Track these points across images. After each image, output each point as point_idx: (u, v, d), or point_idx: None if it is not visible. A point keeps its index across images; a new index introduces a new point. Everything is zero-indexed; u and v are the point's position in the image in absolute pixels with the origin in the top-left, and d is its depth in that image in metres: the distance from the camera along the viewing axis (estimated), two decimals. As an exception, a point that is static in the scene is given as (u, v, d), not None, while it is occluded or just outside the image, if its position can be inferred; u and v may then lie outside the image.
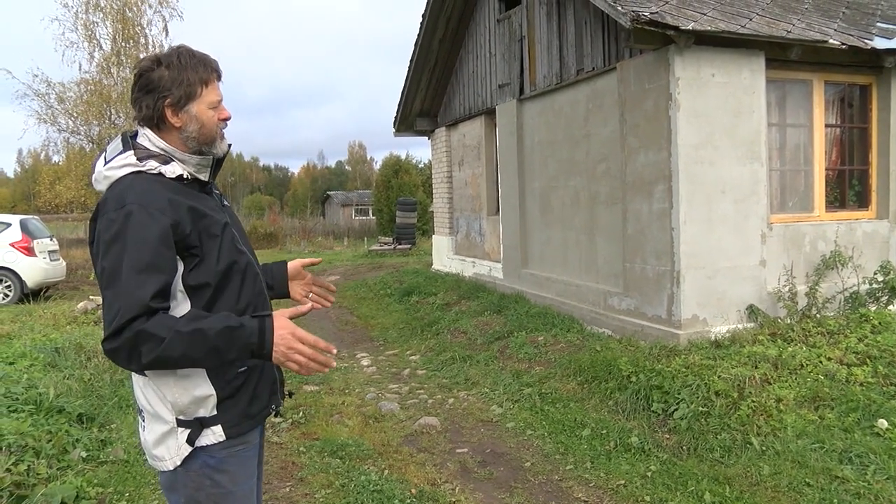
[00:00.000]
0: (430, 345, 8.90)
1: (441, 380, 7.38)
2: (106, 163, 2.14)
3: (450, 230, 14.44)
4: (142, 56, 24.66)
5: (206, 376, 2.10)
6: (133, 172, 2.09)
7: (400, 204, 25.02)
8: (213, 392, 2.11)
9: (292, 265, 2.63)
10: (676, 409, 5.45)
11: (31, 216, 16.79)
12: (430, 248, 17.23)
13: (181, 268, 2.07)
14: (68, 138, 25.04)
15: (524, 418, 6.00)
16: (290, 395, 2.57)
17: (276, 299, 2.58)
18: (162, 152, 2.16)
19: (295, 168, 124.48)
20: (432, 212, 16.85)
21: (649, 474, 4.72)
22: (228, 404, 2.15)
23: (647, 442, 5.17)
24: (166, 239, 2.00)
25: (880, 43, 7.26)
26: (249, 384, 2.20)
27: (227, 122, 2.27)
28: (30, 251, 14.34)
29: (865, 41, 7.21)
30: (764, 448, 4.84)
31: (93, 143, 24.76)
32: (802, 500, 4.19)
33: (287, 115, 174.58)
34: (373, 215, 38.64)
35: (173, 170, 2.13)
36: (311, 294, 2.65)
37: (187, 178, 2.17)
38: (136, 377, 2.18)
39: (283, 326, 2.06)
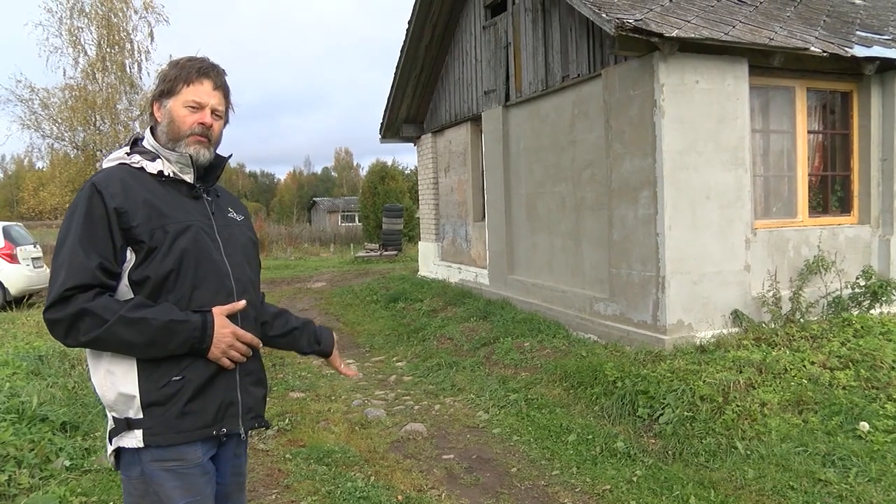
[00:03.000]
0: (416, 351, 8.89)
1: (427, 386, 7.37)
2: (106, 157, 2.29)
3: (436, 236, 14.45)
4: (127, 62, 24.62)
5: (135, 375, 2.09)
6: (118, 164, 2.21)
7: (386, 210, 25.00)
8: (138, 393, 2.08)
9: (332, 359, 2.71)
10: (662, 414, 5.48)
11: (14, 223, 16.66)
12: (416, 255, 17.24)
13: (131, 260, 2.11)
14: (52, 144, 24.90)
15: (510, 424, 6.01)
16: (268, 426, 2.48)
17: (275, 348, 2.67)
18: (152, 149, 2.26)
19: (281, 174, 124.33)
20: (419, 218, 16.86)
21: (635, 479, 4.74)
22: (155, 410, 2.10)
23: (633, 447, 5.19)
24: (108, 221, 2.06)
25: (860, 51, 7.35)
26: (181, 396, 2.11)
27: (205, 128, 2.26)
28: (13, 258, 14.22)
29: (846, 49, 7.29)
30: (748, 452, 4.87)
31: (77, 149, 24.62)
32: (786, 503, 4.22)
33: (274, 121, 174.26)
34: (359, 221, 38.59)
35: (156, 166, 2.22)
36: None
37: (170, 175, 2.23)
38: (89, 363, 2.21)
39: (225, 325, 2.15)
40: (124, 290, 2.11)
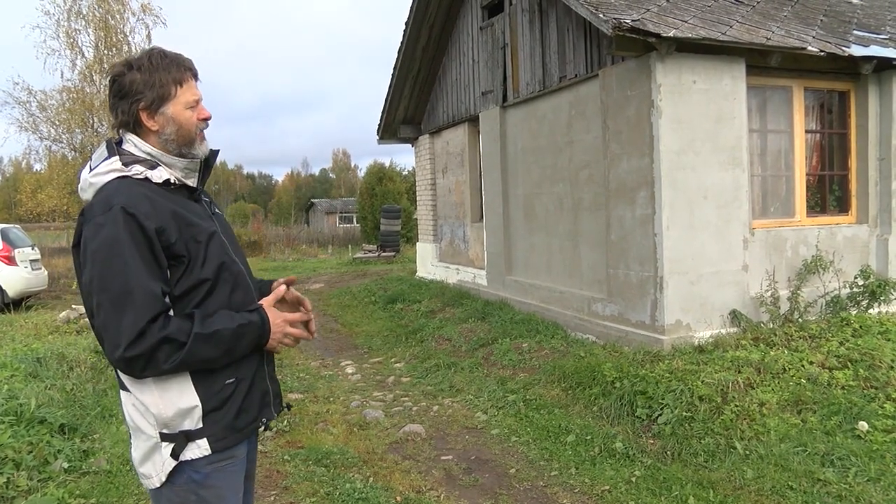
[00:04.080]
0: (414, 352, 8.89)
1: (426, 387, 7.37)
2: (91, 170, 2.11)
3: (434, 237, 14.45)
4: (123, 64, 24.60)
5: (191, 386, 2.05)
6: (119, 177, 2.06)
7: (384, 211, 25.00)
8: (199, 403, 2.06)
9: (270, 295, 2.34)
10: (660, 415, 5.48)
11: (12, 225, 16.65)
12: (414, 256, 17.23)
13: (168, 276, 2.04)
14: (50, 146, 24.88)
15: (509, 425, 6.00)
16: (289, 407, 2.54)
17: None
18: (148, 157, 2.12)
19: (279, 176, 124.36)
20: (416, 219, 16.85)
21: (634, 479, 4.74)
22: (215, 416, 2.08)
23: (632, 447, 5.18)
24: (151, 243, 1.97)
25: (857, 50, 7.35)
26: (237, 396, 2.14)
27: (208, 122, 2.22)
28: (11, 260, 14.21)
29: (843, 48, 7.30)
30: (747, 452, 4.87)
31: (75, 151, 24.59)
32: (785, 503, 4.22)
33: (272, 122, 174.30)
34: (357, 223, 38.58)
35: (160, 174, 2.10)
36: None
37: (175, 182, 2.14)
38: (123, 393, 2.14)
39: (276, 315, 2.19)
40: None
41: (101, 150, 2.14)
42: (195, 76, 2.20)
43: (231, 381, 2.12)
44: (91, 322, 2.05)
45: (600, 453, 5.20)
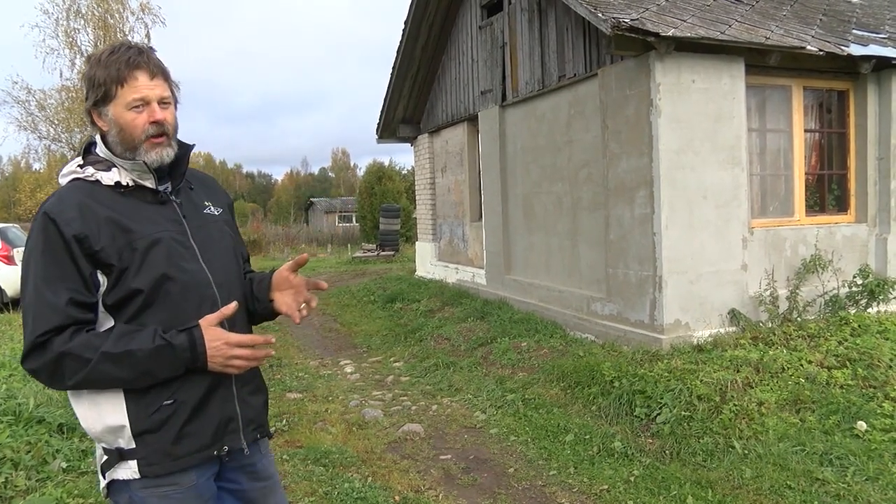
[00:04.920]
0: (413, 351, 8.88)
1: (424, 386, 7.36)
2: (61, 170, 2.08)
3: (433, 236, 14.45)
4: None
5: (122, 403, 1.92)
6: (73, 180, 2.00)
7: (383, 210, 24.99)
8: (127, 423, 1.92)
9: (278, 275, 2.26)
10: (659, 414, 5.48)
11: (11, 224, 16.64)
12: (413, 255, 17.23)
13: (103, 284, 1.93)
14: (49, 146, 24.92)
15: (507, 424, 6.00)
16: (270, 436, 2.31)
17: (265, 321, 2.37)
18: (107, 158, 2.03)
19: (278, 175, 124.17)
20: (416, 218, 16.85)
21: (632, 479, 4.74)
22: (148, 439, 1.94)
23: (630, 447, 5.18)
24: (70, 251, 1.87)
25: (856, 49, 7.35)
26: (176, 419, 1.96)
27: (163, 127, 2.00)
28: (10, 260, 14.20)
29: (842, 48, 7.29)
30: (746, 451, 4.87)
31: (74, 150, 24.58)
32: (784, 502, 4.22)
33: (271, 121, 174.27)
34: (356, 222, 38.57)
35: (112, 176, 2.00)
36: (309, 303, 2.27)
37: (128, 184, 2.01)
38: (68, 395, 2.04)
39: (216, 337, 1.96)
40: (101, 317, 1.94)
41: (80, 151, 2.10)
42: (153, 73, 2.00)
43: (169, 402, 1.95)
44: None
45: (599, 453, 5.20)
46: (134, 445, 1.94)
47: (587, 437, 5.47)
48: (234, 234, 2.29)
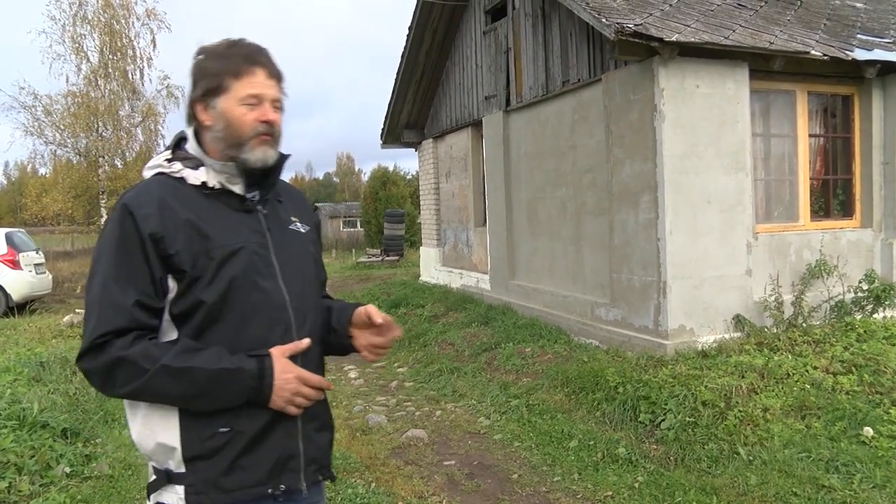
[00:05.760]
0: (417, 357, 8.88)
1: (428, 392, 7.35)
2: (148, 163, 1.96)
3: (437, 241, 14.44)
4: (129, 68, 24.70)
5: (176, 423, 1.79)
6: (157, 174, 1.88)
7: (388, 215, 25.00)
8: (178, 446, 1.78)
9: (358, 314, 2.09)
10: (664, 420, 5.46)
11: (16, 229, 16.70)
12: (418, 260, 17.22)
13: (172, 290, 1.79)
14: (55, 151, 24.99)
15: (511, 430, 5.99)
16: (333, 478, 2.07)
17: (336, 355, 2.18)
18: (196, 156, 1.91)
19: (283, 179, 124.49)
20: (420, 223, 16.86)
21: (637, 485, 4.72)
22: (199, 465, 1.79)
23: (635, 453, 5.16)
24: (144, 249, 1.75)
25: (861, 54, 7.34)
26: (229, 451, 1.80)
27: (273, 126, 1.89)
28: (15, 264, 14.24)
29: (846, 52, 7.28)
30: (751, 458, 4.84)
31: (80, 155, 24.69)
32: (789, 509, 4.19)
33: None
34: (361, 227, 38.55)
35: (198, 175, 1.87)
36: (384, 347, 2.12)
37: (216, 186, 1.87)
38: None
39: (287, 370, 1.81)
40: (166, 326, 1.80)
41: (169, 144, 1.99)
42: (271, 73, 1.91)
43: (225, 429, 1.79)
44: None
45: (603, 459, 5.18)
46: (184, 470, 1.79)
47: (591, 442, 5.45)
48: (318, 256, 2.13)
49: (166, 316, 1.80)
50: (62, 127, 23.94)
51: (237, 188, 1.90)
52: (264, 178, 1.92)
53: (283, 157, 1.95)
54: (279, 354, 1.82)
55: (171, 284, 1.78)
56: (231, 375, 1.75)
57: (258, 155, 1.87)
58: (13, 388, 6.37)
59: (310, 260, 2.05)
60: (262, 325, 1.85)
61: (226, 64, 1.85)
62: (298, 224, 2.05)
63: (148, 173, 1.91)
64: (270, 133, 1.89)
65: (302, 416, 1.89)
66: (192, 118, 1.92)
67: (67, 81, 25.01)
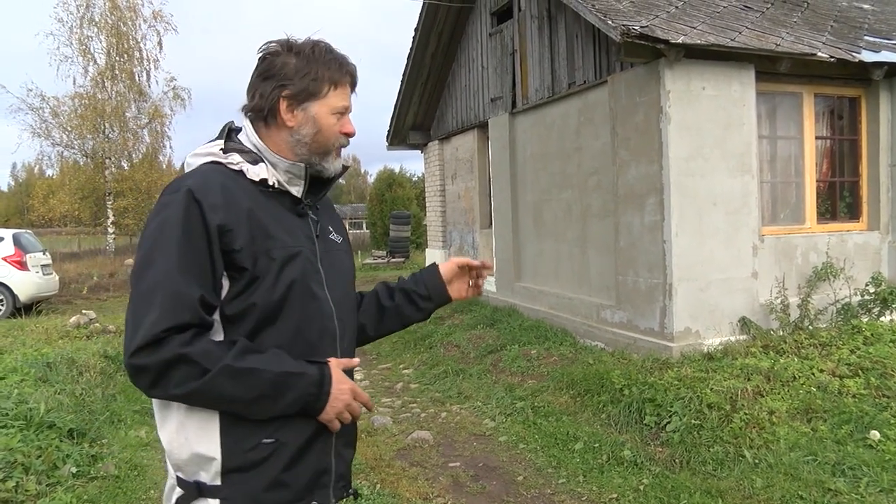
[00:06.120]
0: (423, 358, 8.88)
1: (434, 393, 7.36)
2: (195, 151, 1.85)
3: (443, 243, 14.44)
4: (136, 70, 24.78)
5: (216, 431, 1.67)
6: (212, 162, 1.77)
7: (393, 217, 25.03)
8: (218, 456, 1.67)
9: (446, 268, 2.18)
10: (669, 422, 5.45)
11: (23, 230, 16.77)
12: (423, 262, 17.23)
13: (224, 289, 1.69)
14: (62, 152, 25.13)
15: (517, 432, 5.99)
16: (356, 495, 2.00)
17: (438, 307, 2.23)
18: (254, 150, 1.82)
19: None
20: (426, 225, 16.86)
21: (642, 488, 4.71)
22: (237, 478, 1.67)
23: (640, 455, 5.16)
24: (209, 241, 1.64)
25: (868, 56, 7.31)
26: (274, 463, 1.70)
27: (349, 140, 1.90)
28: (22, 265, 14.30)
29: (853, 54, 7.26)
30: (757, 461, 4.83)
31: (86, 156, 24.79)
32: (795, 512, 4.18)
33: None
34: (367, 229, 38.61)
35: (258, 171, 1.78)
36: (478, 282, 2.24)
37: (274, 184, 1.80)
38: (154, 412, 1.81)
39: (343, 381, 1.76)
40: (215, 328, 1.69)
41: (217, 132, 1.89)
42: (353, 86, 1.90)
43: (270, 441, 1.69)
44: None
45: (608, 461, 5.17)
46: (219, 483, 1.68)
47: (597, 445, 5.45)
48: (353, 267, 2.08)
49: (216, 316, 1.69)
50: (69, 128, 24.06)
51: (295, 190, 1.84)
52: (321, 185, 1.91)
53: (344, 169, 1.96)
54: (336, 365, 1.77)
55: (224, 283, 1.69)
56: (294, 379, 1.67)
57: (336, 166, 1.89)
58: (20, 388, 6.38)
59: (348, 271, 2.00)
60: (315, 333, 1.79)
61: (327, 70, 1.81)
62: (335, 234, 1.99)
63: (196, 161, 1.80)
64: (345, 146, 1.91)
65: (339, 431, 1.83)
66: (262, 111, 1.82)
67: (74, 83, 25.18)
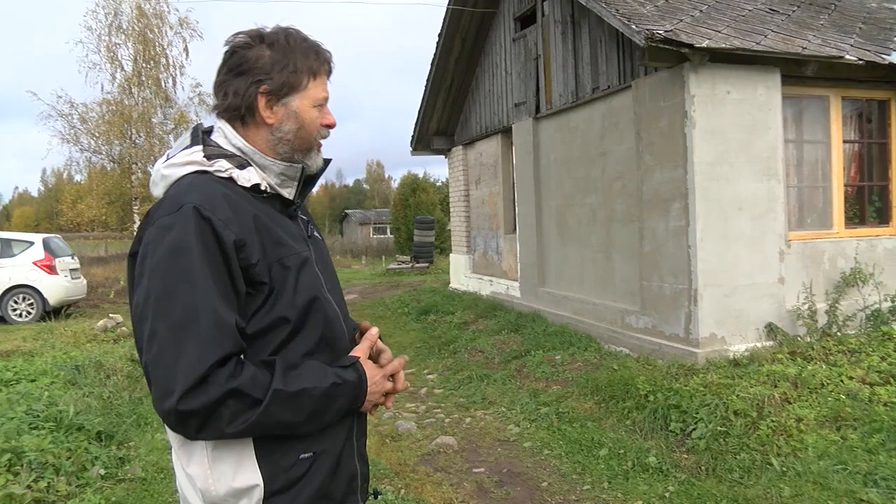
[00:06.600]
0: (447, 364, 8.88)
1: (458, 399, 7.36)
2: (167, 160, 1.68)
3: (467, 248, 14.45)
4: (162, 76, 25.07)
5: (253, 458, 1.56)
6: (196, 172, 1.63)
7: (417, 222, 25.07)
8: (261, 482, 1.56)
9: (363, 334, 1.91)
10: (694, 429, 5.40)
11: (53, 235, 17.02)
12: (447, 267, 17.25)
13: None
14: (90, 158, 25.42)
15: (541, 438, 5.97)
16: (376, 495, 1.92)
17: None
18: (238, 153, 1.68)
19: (313, 187, 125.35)
20: (450, 230, 16.89)
21: (667, 495, 4.68)
22: (281, 499, 1.58)
23: (665, 462, 5.12)
24: (228, 261, 1.52)
25: (898, 58, 7.22)
26: (314, 476, 1.63)
27: (330, 131, 1.79)
28: (52, 269, 14.51)
29: (882, 56, 7.17)
30: (784, 469, 4.78)
31: (114, 162, 25.08)
32: (823, 521, 4.13)
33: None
34: (391, 234, 38.73)
35: (249, 176, 1.66)
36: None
37: (266, 190, 1.69)
38: (173, 453, 1.68)
39: (374, 371, 1.72)
40: None
41: (184, 138, 1.71)
42: (329, 73, 1.77)
43: (307, 455, 1.62)
44: (140, 356, 1.54)
45: (633, 467, 5.14)
46: None
47: (621, 451, 5.42)
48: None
49: None
50: (97, 134, 24.35)
51: (287, 192, 1.74)
52: (307, 184, 1.80)
53: (327, 163, 1.83)
54: (363, 356, 1.72)
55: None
56: (339, 391, 1.60)
57: (319, 161, 1.78)
58: (50, 390, 6.48)
59: (334, 269, 1.90)
60: (333, 340, 1.72)
61: (305, 60, 1.69)
62: (316, 232, 1.90)
63: (175, 171, 1.64)
64: (326, 138, 1.80)
65: (356, 433, 1.79)
66: (238, 110, 1.68)
67: (102, 90, 25.44)
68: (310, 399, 1.54)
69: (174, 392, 1.42)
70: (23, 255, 14.45)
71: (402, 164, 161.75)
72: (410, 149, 15.10)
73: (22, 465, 4.61)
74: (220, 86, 1.69)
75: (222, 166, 1.63)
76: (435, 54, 13.14)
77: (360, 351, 1.72)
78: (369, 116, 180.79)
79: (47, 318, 13.63)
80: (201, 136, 1.69)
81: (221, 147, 1.68)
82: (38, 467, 4.67)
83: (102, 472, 5.04)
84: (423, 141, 14.79)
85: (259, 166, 1.68)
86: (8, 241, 14.81)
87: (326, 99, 1.74)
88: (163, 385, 1.44)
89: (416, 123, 14.52)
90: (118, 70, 24.42)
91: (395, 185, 72.95)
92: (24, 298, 14.32)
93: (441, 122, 14.44)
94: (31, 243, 14.76)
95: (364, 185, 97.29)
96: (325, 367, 1.62)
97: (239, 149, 1.68)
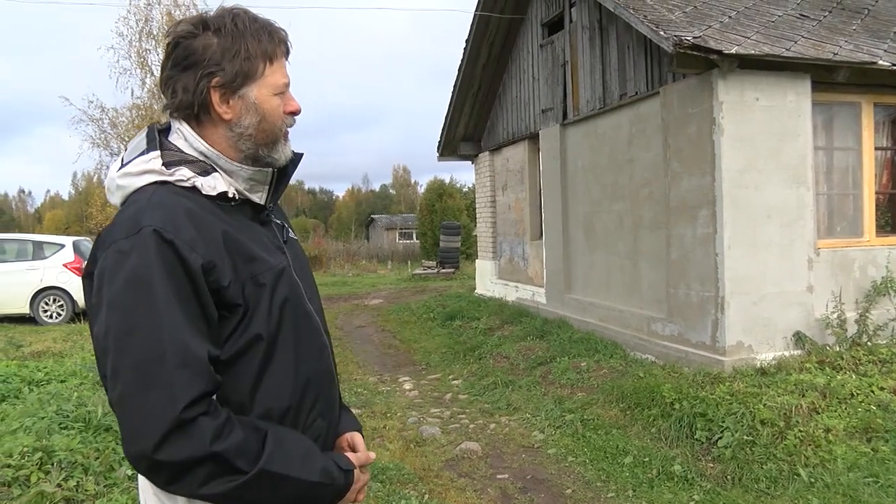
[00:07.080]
0: (472, 369, 8.89)
1: (483, 405, 7.36)
2: (122, 166, 1.50)
3: (493, 254, 14.45)
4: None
5: None
6: (155, 182, 1.45)
7: (443, 228, 25.10)
8: None
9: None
10: (721, 438, 5.36)
11: (83, 237, 17.26)
12: (473, 273, 17.25)
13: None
14: (120, 162, 25.78)
15: (566, 444, 5.95)
16: None
17: None
18: (201, 158, 1.51)
19: (339, 191, 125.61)
20: (476, 236, 16.89)
21: (693, 504, 4.65)
22: None
23: (691, 470, 5.09)
24: (196, 286, 1.36)
25: (932, 65, 7.12)
26: None
27: (296, 118, 1.62)
28: (81, 272, 14.71)
29: (916, 63, 7.07)
30: (812, 480, 4.72)
31: (145, 166, 25.43)
32: (852, 533, 4.08)
33: (332, 138, 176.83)
34: (417, 239, 38.80)
35: (214, 184, 1.49)
36: None
37: (234, 197, 1.52)
38: (140, 479, 1.53)
39: (358, 479, 1.62)
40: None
41: (139, 140, 1.52)
42: (287, 54, 1.60)
43: None
44: (107, 392, 1.40)
45: (658, 476, 5.11)
46: None
47: (646, 459, 5.39)
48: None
49: None
50: (127, 139, 24.68)
51: (257, 196, 1.58)
52: (278, 182, 1.63)
53: (298, 156, 1.67)
54: (357, 465, 1.62)
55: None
56: (322, 490, 1.47)
57: (287, 152, 1.60)
58: (80, 391, 6.58)
59: (311, 274, 1.75)
60: (316, 352, 1.60)
61: (258, 44, 1.51)
62: (290, 231, 1.73)
63: (132, 182, 1.47)
64: (292, 125, 1.62)
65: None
66: (192, 107, 1.51)
67: (132, 95, 25.77)
68: (291, 489, 1.41)
69: (146, 437, 1.28)
70: (54, 258, 14.67)
71: (429, 169, 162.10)
72: (437, 154, 15.13)
73: (52, 464, 4.69)
74: (167, 82, 1.52)
75: (184, 175, 1.46)
76: (462, 60, 13.18)
77: (355, 459, 1.63)
78: (395, 122, 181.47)
79: (77, 320, 13.83)
80: (158, 138, 1.52)
81: (182, 151, 1.51)
82: (68, 466, 4.74)
83: (129, 472, 5.09)
84: (450, 146, 14.82)
85: (225, 171, 1.53)
86: (39, 244, 15.06)
87: (287, 84, 1.57)
88: (135, 429, 1.30)
89: (443, 129, 14.56)
90: (148, 75, 24.74)
91: (421, 190, 73.13)
92: (54, 300, 14.53)
93: (468, 128, 14.46)
94: (62, 246, 15.00)
95: (390, 190, 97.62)
96: (317, 455, 1.49)
97: (201, 153, 1.51)
